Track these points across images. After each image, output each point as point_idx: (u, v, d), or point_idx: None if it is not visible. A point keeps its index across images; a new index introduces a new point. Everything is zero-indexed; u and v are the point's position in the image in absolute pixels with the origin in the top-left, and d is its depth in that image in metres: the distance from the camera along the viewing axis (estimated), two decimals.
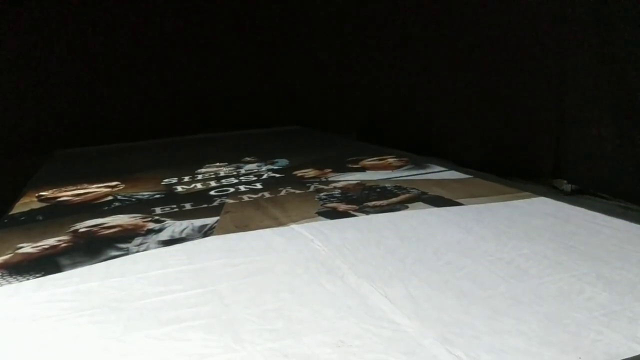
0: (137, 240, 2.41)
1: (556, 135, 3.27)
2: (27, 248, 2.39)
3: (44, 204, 3.22)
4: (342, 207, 2.75)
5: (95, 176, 3.78)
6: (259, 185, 3.31)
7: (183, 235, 2.46)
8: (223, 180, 3.51)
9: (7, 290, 1.96)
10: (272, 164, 3.94)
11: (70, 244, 2.44)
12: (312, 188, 3.15)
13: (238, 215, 2.72)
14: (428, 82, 4.44)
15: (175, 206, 2.94)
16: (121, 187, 3.47)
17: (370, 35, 5.13)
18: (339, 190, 3.07)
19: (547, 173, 3.33)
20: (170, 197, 3.19)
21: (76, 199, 3.29)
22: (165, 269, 2.06)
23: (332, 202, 2.86)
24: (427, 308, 1.64)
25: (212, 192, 3.21)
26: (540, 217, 2.44)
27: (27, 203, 3.24)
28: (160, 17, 5.50)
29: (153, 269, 2.06)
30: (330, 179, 3.35)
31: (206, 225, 2.57)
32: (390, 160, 3.79)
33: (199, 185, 3.42)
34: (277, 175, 3.60)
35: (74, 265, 2.16)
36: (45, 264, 2.19)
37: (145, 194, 3.29)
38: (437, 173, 3.39)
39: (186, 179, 3.62)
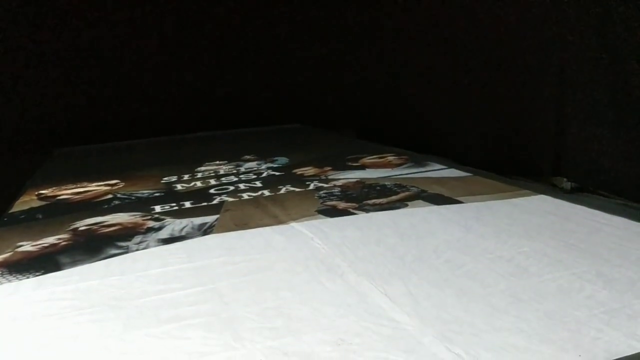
0: (137, 239, 2.41)
1: (556, 133, 3.27)
2: (27, 246, 2.39)
3: (43, 203, 3.22)
4: (341, 205, 2.75)
5: (95, 174, 3.78)
6: (258, 184, 3.31)
7: (183, 233, 2.46)
8: (223, 179, 3.51)
9: (7, 288, 1.96)
10: (272, 162, 3.94)
11: (70, 242, 2.44)
12: (311, 186, 3.15)
13: (238, 213, 2.72)
14: (428, 80, 4.44)
15: (175, 204, 2.94)
16: (121, 186, 3.47)
17: (371, 34, 5.13)
18: (339, 189, 3.07)
19: (547, 171, 3.33)
20: (170, 195, 3.19)
21: (76, 198, 3.29)
22: (165, 267, 2.06)
23: (331, 200, 2.86)
24: (427, 306, 1.64)
25: (212, 191, 3.21)
26: (540, 215, 2.44)
27: (27, 201, 3.23)
28: (160, 15, 5.49)
29: (153, 267, 2.06)
30: (330, 177, 3.35)
31: (206, 223, 2.57)
32: (390, 158, 3.79)
33: (198, 184, 3.42)
34: (277, 173, 3.60)
35: (74, 263, 2.16)
36: (45, 263, 2.19)
37: (145, 192, 3.29)
38: (437, 171, 3.39)
39: (186, 177, 3.62)
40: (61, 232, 2.57)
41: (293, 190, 3.09)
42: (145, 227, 2.58)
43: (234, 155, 4.18)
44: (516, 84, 3.53)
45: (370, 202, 2.77)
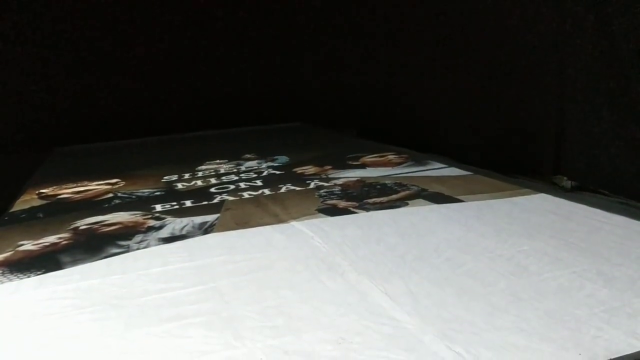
0: (138, 238, 2.41)
1: (556, 132, 3.27)
2: (28, 245, 2.40)
3: (44, 202, 3.22)
4: (342, 204, 2.75)
5: (96, 173, 3.78)
6: (259, 183, 3.31)
7: (183, 232, 2.46)
8: (223, 178, 3.51)
9: (8, 287, 1.97)
10: (272, 161, 3.94)
11: (70, 241, 2.45)
12: (312, 185, 3.15)
13: (238, 212, 2.72)
14: (428, 79, 4.44)
15: (175, 203, 2.94)
16: (121, 185, 3.47)
17: (371, 32, 5.13)
18: (339, 187, 3.07)
19: (547, 170, 3.33)
20: (170, 194, 3.19)
21: (76, 197, 3.30)
22: (166, 266, 2.06)
23: (332, 199, 2.86)
24: (427, 305, 1.64)
25: (213, 190, 3.21)
26: (540, 213, 2.44)
27: (28, 200, 3.24)
28: (162, 15, 5.49)
29: (153, 266, 2.07)
30: (330, 176, 3.35)
31: (206, 222, 2.57)
32: (390, 157, 3.79)
33: (199, 183, 3.42)
34: (277, 172, 3.60)
35: (75, 262, 2.16)
36: (45, 262, 2.19)
37: (145, 191, 3.29)
38: (437, 170, 3.39)
39: (186, 176, 3.62)
40: (62, 231, 2.57)
41: (293, 189, 3.09)
42: (146, 226, 2.58)
43: (234, 154, 4.18)
44: (516, 83, 3.53)
45: (371, 201, 2.77)
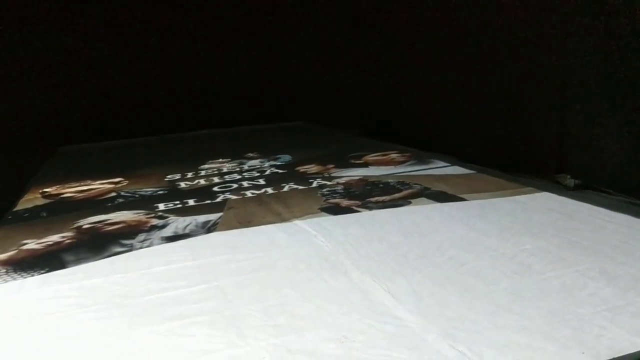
0: (141, 237, 2.42)
1: (559, 130, 3.26)
2: (32, 244, 2.41)
3: (47, 201, 3.23)
4: (344, 202, 2.75)
5: (99, 172, 3.79)
6: (261, 181, 3.31)
7: (186, 231, 2.47)
8: (226, 177, 3.51)
9: (12, 286, 1.97)
10: (275, 160, 3.94)
11: (74, 240, 2.45)
12: (314, 184, 3.15)
13: (241, 211, 2.72)
14: (431, 78, 4.43)
15: (178, 202, 2.95)
16: (124, 184, 3.48)
17: (373, 30, 5.12)
18: (342, 186, 3.07)
19: (551, 168, 3.32)
20: (173, 193, 3.20)
21: (80, 196, 3.30)
22: (169, 265, 2.06)
23: (334, 197, 2.86)
24: (430, 303, 1.64)
25: (215, 188, 3.21)
26: (543, 212, 2.44)
27: (31, 199, 3.25)
28: (165, 14, 5.50)
29: (157, 265, 2.07)
30: (333, 175, 3.35)
31: (209, 221, 2.58)
32: (393, 155, 3.79)
33: (202, 182, 3.43)
34: (280, 171, 3.60)
35: (78, 261, 2.17)
36: (49, 260, 2.20)
37: (148, 190, 3.29)
38: (440, 168, 3.38)
39: (189, 175, 3.63)
40: (65, 230, 2.58)
41: (296, 188, 3.09)
42: (149, 225, 2.59)
43: (237, 153, 4.18)
44: (519, 81, 3.52)
45: (373, 199, 2.77)
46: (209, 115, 5.59)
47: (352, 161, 3.70)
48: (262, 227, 2.44)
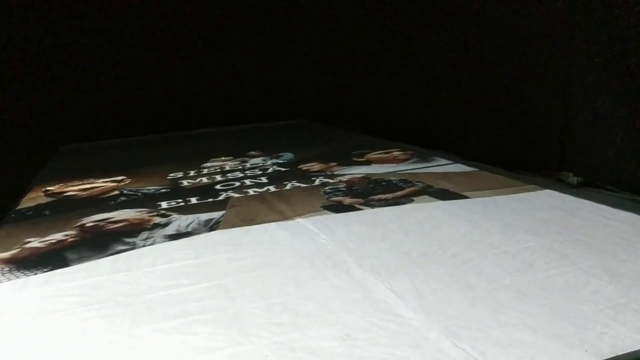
0: (144, 235, 2.42)
1: (562, 128, 3.26)
2: (35, 243, 2.41)
3: (50, 199, 3.23)
4: (347, 200, 2.75)
5: (101, 171, 3.79)
6: (264, 179, 3.31)
7: (189, 229, 2.47)
8: (228, 175, 3.52)
9: (15, 284, 1.98)
10: (277, 157, 3.94)
11: (77, 238, 2.46)
12: (317, 182, 3.15)
13: (243, 209, 2.72)
14: (433, 75, 4.43)
15: (181, 200, 2.95)
16: (127, 182, 3.48)
17: (376, 28, 5.12)
18: (345, 184, 3.07)
19: (553, 166, 3.32)
20: (176, 191, 3.20)
21: (82, 194, 3.31)
22: (172, 263, 2.07)
23: (337, 195, 2.86)
24: (433, 301, 1.64)
25: (218, 187, 3.21)
26: (546, 210, 2.43)
27: (34, 198, 3.25)
28: (165, 11, 5.50)
29: (159, 263, 2.07)
30: (335, 173, 3.35)
31: (212, 219, 2.58)
32: (396, 153, 3.78)
33: (204, 180, 3.43)
34: (283, 169, 3.60)
35: (81, 259, 2.17)
36: (52, 259, 2.20)
37: (151, 189, 3.30)
38: (443, 166, 3.38)
39: (192, 173, 3.63)
40: (68, 228, 2.59)
41: (299, 186, 3.09)
42: (151, 223, 2.59)
43: (239, 151, 4.18)
44: (522, 78, 3.52)
45: (376, 197, 2.77)
46: (210, 113, 5.59)
47: (355, 159, 3.69)
48: (265, 225, 2.44)
